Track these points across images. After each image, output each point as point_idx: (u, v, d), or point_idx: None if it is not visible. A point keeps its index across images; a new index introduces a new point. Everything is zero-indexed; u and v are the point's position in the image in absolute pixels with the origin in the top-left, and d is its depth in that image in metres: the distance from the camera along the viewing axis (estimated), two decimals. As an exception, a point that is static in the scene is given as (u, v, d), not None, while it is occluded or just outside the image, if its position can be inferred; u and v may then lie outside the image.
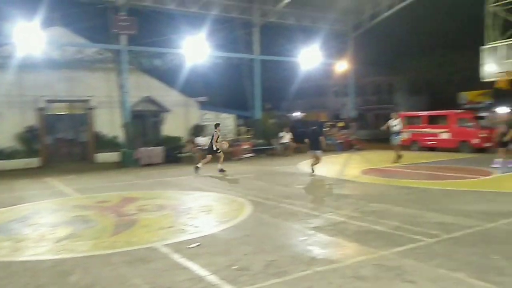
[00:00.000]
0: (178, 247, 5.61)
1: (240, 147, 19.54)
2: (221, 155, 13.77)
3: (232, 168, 15.41)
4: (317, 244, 5.59)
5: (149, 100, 20.35)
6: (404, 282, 4.15)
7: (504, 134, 13.29)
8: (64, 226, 6.96)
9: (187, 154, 18.21)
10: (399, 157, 15.52)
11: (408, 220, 6.58)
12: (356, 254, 5.12)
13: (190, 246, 5.63)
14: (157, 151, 18.03)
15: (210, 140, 14.03)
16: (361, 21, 23.68)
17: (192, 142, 18.44)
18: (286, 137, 20.69)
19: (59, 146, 18.80)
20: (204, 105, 22.72)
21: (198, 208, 8.21)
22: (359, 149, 22.27)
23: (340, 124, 25.61)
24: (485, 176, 11.50)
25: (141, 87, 19.50)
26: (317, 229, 6.31)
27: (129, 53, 17.78)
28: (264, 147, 20.77)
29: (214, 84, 25.67)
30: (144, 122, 20.67)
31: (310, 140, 12.82)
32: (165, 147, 18.52)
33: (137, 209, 8.17)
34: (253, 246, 5.57)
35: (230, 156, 19.06)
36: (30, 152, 17.42)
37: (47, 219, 7.77)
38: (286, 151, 20.25)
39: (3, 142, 17.03)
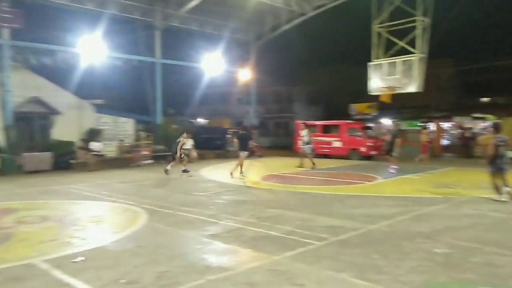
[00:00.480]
0: (60, 262, 5.12)
1: (139, 153, 18.76)
2: (185, 158, 15.13)
3: (129, 176, 14.73)
4: (212, 252, 5.52)
5: (37, 101, 18.49)
6: (293, 286, 4.27)
7: (391, 143, 14.68)
8: None
9: (80, 160, 16.95)
10: (302, 165, 16.58)
11: (300, 225, 6.84)
12: (250, 261, 5.15)
13: (75, 260, 5.17)
14: (45, 157, 16.47)
15: (176, 145, 14.88)
16: (263, 32, 24.44)
17: (86, 147, 17.23)
18: (188, 143, 20.36)
19: None
20: (101, 108, 21.35)
21: (87, 219, 7.62)
22: (260, 156, 22.82)
23: (243, 131, 25.94)
24: (371, 181, 12.53)
25: (28, 87, 17.63)
26: (213, 236, 6.25)
27: (12, 48, 16.05)
28: (165, 153, 20.18)
29: (113, 87, 24.32)
30: (30, 125, 18.71)
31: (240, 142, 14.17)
32: (55, 153, 17.03)
33: (15, 221, 7.31)
34: (144, 257, 5.30)
35: (128, 162, 18.21)
36: None
37: None
38: (188, 158, 19.90)
39: None
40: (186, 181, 13.09)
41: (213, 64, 21.99)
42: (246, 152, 13.92)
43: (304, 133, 16.99)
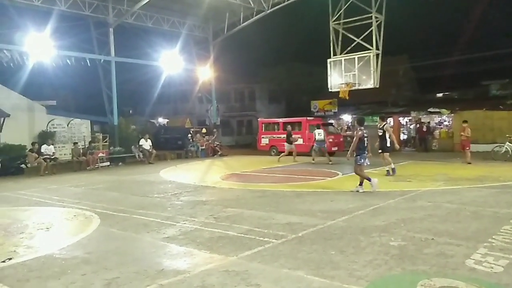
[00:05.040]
0: (1, 273, 4.77)
1: (95, 156, 18.08)
2: None
3: (84, 179, 14.15)
4: (166, 256, 5.31)
5: (-17, 103, 17.47)
6: (249, 286, 4.14)
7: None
8: None
9: (32, 164, 16.13)
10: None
11: (259, 223, 6.73)
12: (205, 263, 4.98)
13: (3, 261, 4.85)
14: (-8, 162, 15.56)
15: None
16: (221, 29, 24.22)
17: (37, 151, 16.40)
18: (147, 144, 19.89)
19: None
20: (53, 110, 20.45)
21: (35, 226, 7.19)
22: (222, 155, 22.63)
23: (204, 130, 25.73)
24: (332, 177, 12.63)
25: (-29, 88, 16.64)
26: (169, 239, 6.03)
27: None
28: (123, 155, 19.61)
29: (66, 87, 23.39)
30: (-24, 129, 17.63)
31: None
32: (4, 157, 16.12)
33: (-47, 232, 6.79)
34: (94, 264, 5.02)
35: (84, 165, 17.53)
36: None
37: None
38: (147, 159, 19.46)
39: None
40: (144, 183, 12.71)
41: (171, 62, 21.55)
42: None
43: (319, 131, 17.44)
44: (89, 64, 19.67)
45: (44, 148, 16.48)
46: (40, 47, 16.40)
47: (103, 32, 20.23)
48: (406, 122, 26.48)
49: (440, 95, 39.15)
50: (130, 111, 30.50)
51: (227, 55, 26.91)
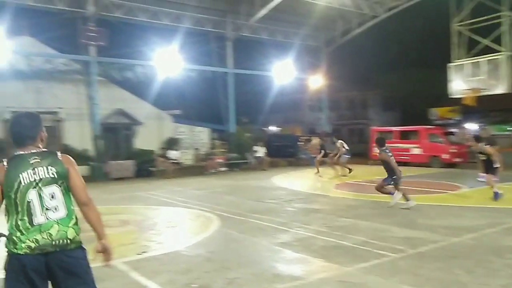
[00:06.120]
0: (138, 264, 5.38)
1: (214, 161, 19.33)
2: None
3: (204, 183, 15.20)
4: (282, 261, 5.46)
5: (121, 113, 19.92)
6: (366, 300, 4.06)
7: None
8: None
9: (160, 168, 17.86)
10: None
11: (375, 235, 6.52)
12: (320, 271, 5.00)
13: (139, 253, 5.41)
14: (128, 165, 17.62)
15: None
16: (333, 37, 24.07)
17: (165, 156, 18.12)
18: (261, 151, 20.63)
19: (25, 159, 18.11)
20: (178, 118, 22.43)
21: (163, 224, 7.98)
22: (333, 164, 22.32)
23: (315, 138, 25.72)
24: (454, 190, 11.65)
25: (113, 99, 19.08)
26: (284, 244, 6.18)
27: (99, 64, 17.47)
28: (238, 161, 20.63)
29: (188, 97, 25.40)
30: (116, 135, 20.18)
31: None
32: (137, 161, 18.14)
33: (100, 225, 7.85)
34: (216, 263, 5.38)
35: (203, 170, 18.83)
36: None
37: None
38: (260, 165, 20.15)
39: (-35, 154, 16.27)
40: (258, 189, 13.19)
41: (283, 72, 22.09)
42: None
43: (339, 144, 16.58)
44: (209, 76, 21.20)
45: (170, 153, 18.15)
46: (169, 62, 18.16)
47: (221, 46, 21.60)
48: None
49: None
50: (245, 120, 31.88)
51: (338, 62, 26.61)
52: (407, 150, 20.59)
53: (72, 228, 2.61)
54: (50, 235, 2.49)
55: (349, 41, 23.63)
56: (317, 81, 24.25)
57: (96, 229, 2.75)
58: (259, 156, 20.46)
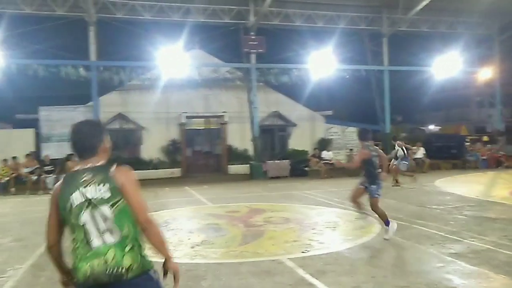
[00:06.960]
0: (303, 262, 5.58)
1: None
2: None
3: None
4: (457, 273, 5.00)
5: (277, 115, 20.98)
6: None
7: None
8: (198, 233, 7.50)
9: (313, 168, 18.20)
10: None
11: None
12: (505, 289, 4.44)
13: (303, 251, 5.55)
14: (284, 165, 18.43)
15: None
16: (508, 22, 21.02)
17: (318, 156, 18.39)
18: (420, 152, 19.26)
19: (196, 158, 20.53)
20: (329, 119, 22.52)
21: (323, 224, 8.10)
22: (507, 167, 19.64)
23: (485, 138, 23.04)
24: None
25: (269, 103, 20.25)
26: (457, 255, 5.66)
27: (257, 70, 18.68)
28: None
29: (340, 98, 25.25)
30: (272, 136, 21.36)
31: None
32: (292, 161, 18.83)
33: (264, 220, 8.40)
34: (380, 268, 5.24)
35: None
36: (172, 163, 19.33)
37: (184, 225, 8.47)
38: (420, 168, 18.81)
39: (151, 154, 19.23)
40: (420, 193, 12.35)
41: (446, 66, 20.20)
42: None
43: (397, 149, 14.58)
44: (361, 75, 20.72)
45: (324, 153, 18.34)
46: (322, 63, 18.36)
47: (376, 43, 20.88)
48: None
49: None
50: (399, 118, 30.22)
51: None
52: None
53: (129, 254, 2.22)
54: (106, 261, 2.18)
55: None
56: (488, 74, 21.55)
57: (159, 252, 2.37)
58: (418, 158, 19.12)
